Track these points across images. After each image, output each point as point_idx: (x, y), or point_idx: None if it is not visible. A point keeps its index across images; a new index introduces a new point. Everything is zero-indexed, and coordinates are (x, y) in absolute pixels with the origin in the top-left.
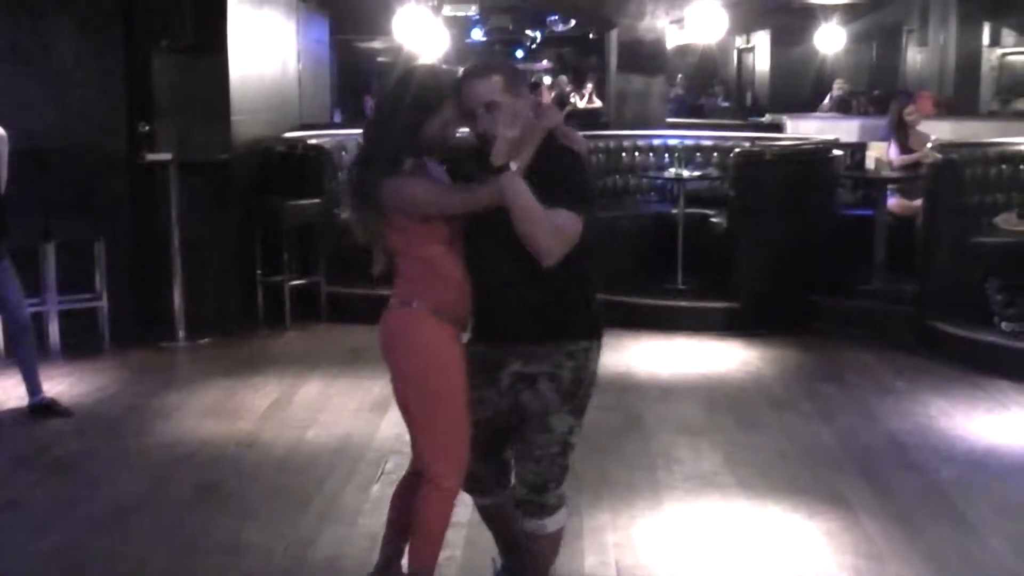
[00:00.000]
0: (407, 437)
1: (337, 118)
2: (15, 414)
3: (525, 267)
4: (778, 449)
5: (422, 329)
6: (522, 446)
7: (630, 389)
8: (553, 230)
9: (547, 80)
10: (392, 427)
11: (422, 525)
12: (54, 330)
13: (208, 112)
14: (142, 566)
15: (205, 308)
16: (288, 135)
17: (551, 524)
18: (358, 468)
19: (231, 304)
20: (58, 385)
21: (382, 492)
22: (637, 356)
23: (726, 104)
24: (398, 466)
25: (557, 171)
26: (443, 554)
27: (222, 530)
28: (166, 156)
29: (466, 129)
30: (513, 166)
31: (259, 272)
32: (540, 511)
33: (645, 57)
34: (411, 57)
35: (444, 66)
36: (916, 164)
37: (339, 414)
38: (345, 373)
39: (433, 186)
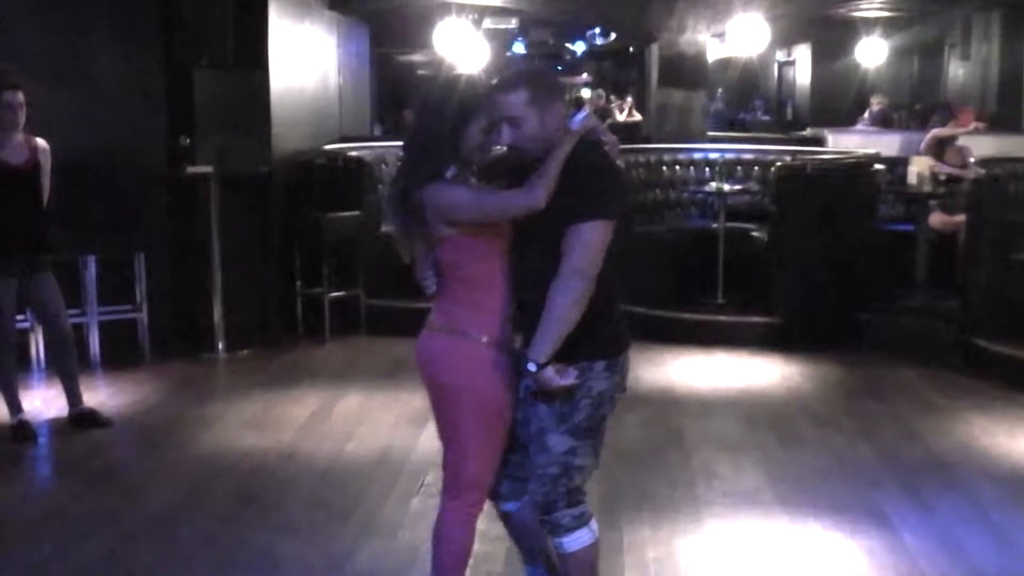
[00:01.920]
0: None
1: (377, 131)
2: (56, 424)
3: (542, 283)
4: (819, 466)
5: (472, 362)
6: (529, 464)
7: (670, 404)
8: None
9: (586, 93)
10: (431, 440)
11: (454, 547)
12: (94, 341)
13: (248, 126)
14: None
15: (245, 320)
16: (328, 148)
17: (569, 544)
18: (397, 481)
19: (271, 316)
20: (98, 395)
21: (422, 505)
22: (677, 371)
23: (766, 118)
24: (437, 479)
25: (580, 178)
26: (484, 568)
27: (261, 542)
28: (207, 169)
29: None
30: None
31: (299, 284)
32: (555, 530)
33: (686, 71)
34: (451, 70)
35: (482, 76)
36: (957, 179)
37: (378, 427)
38: (385, 386)
39: (473, 191)
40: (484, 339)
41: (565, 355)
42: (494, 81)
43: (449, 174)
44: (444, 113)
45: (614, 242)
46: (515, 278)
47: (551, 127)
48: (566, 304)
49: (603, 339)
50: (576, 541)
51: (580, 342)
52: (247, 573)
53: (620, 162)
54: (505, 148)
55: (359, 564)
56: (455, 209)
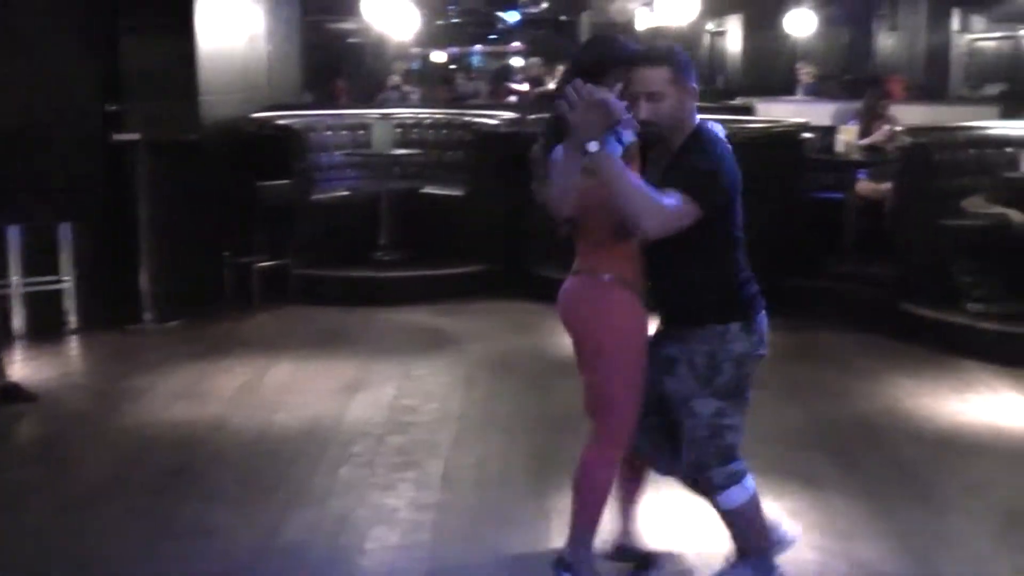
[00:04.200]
0: (376, 419)
1: (308, 100)
2: None
3: (667, 251)
4: (748, 429)
5: (610, 298)
6: (677, 429)
7: None
8: (649, 209)
9: (519, 62)
10: (361, 410)
11: (582, 485)
12: (19, 313)
13: (177, 92)
14: (110, 550)
15: (174, 290)
16: (258, 115)
17: (724, 501)
18: (327, 451)
19: (200, 286)
20: (23, 369)
21: (350, 475)
22: None
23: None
24: (367, 449)
25: (683, 157)
26: (410, 537)
27: (190, 514)
28: (134, 136)
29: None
30: (593, 147)
31: (227, 253)
32: (710, 489)
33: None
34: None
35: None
36: (880, 148)
37: (308, 396)
38: (315, 355)
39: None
40: (621, 279)
41: (699, 319)
42: (636, 53)
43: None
44: (579, 67)
45: (723, 222)
46: (652, 261)
47: (687, 107)
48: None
49: (735, 302)
50: (730, 498)
51: (714, 306)
52: (178, 544)
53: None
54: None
55: (289, 534)
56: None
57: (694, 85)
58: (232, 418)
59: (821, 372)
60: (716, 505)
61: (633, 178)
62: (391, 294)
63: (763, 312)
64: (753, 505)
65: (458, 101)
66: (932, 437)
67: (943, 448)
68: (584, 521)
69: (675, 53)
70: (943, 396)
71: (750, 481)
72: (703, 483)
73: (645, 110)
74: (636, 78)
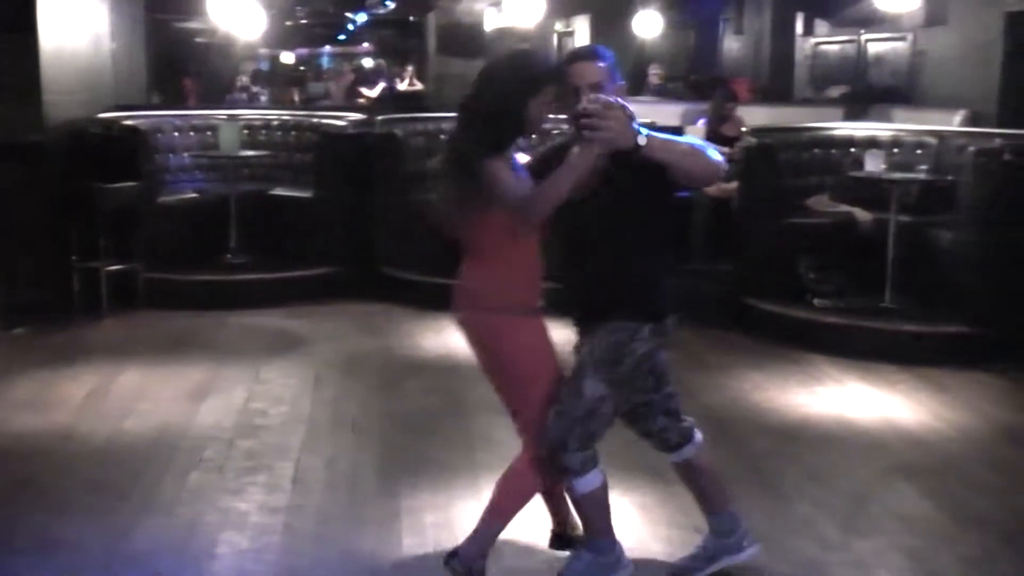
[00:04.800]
0: (226, 424)
1: (155, 100)
2: None
3: (598, 245)
4: None
5: (517, 334)
6: (556, 401)
7: (451, 371)
8: (702, 152)
9: (368, 63)
10: (211, 414)
11: (509, 487)
12: None
13: (19, 91)
14: None
15: (19, 296)
16: (103, 116)
17: (580, 486)
18: (176, 457)
19: (46, 292)
20: None
21: (200, 480)
22: (458, 338)
23: None
24: (217, 453)
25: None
26: (261, 540)
27: (35, 526)
28: None
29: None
30: (642, 140)
31: (74, 258)
32: (566, 472)
33: (464, 40)
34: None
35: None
36: (731, 148)
37: (158, 403)
38: (164, 360)
39: (515, 179)
40: (523, 310)
41: (621, 316)
42: (562, 56)
43: (514, 149)
44: (514, 85)
45: (664, 219)
46: (575, 258)
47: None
48: (700, 151)
49: (654, 303)
50: (586, 483)
51: (633, 304)
52: (22, 558)
53: None
54: (571, 114)
55: (137, 542)
56: (499, 190)
57: (622, 82)
58: (80, 426)
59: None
60: (570, 490)
61: (680, 140)
62: (241, 297)
63: (671, 317)
64: (604, 491)
65: (308, 103)
66: (779, 429)
67: (790, 440)
68: (494, 524)
69: (605, 50)
70: (790, 389)
71: (601, 468)
72: (559, 464)
73: (589, 102)
74: (577, 73)
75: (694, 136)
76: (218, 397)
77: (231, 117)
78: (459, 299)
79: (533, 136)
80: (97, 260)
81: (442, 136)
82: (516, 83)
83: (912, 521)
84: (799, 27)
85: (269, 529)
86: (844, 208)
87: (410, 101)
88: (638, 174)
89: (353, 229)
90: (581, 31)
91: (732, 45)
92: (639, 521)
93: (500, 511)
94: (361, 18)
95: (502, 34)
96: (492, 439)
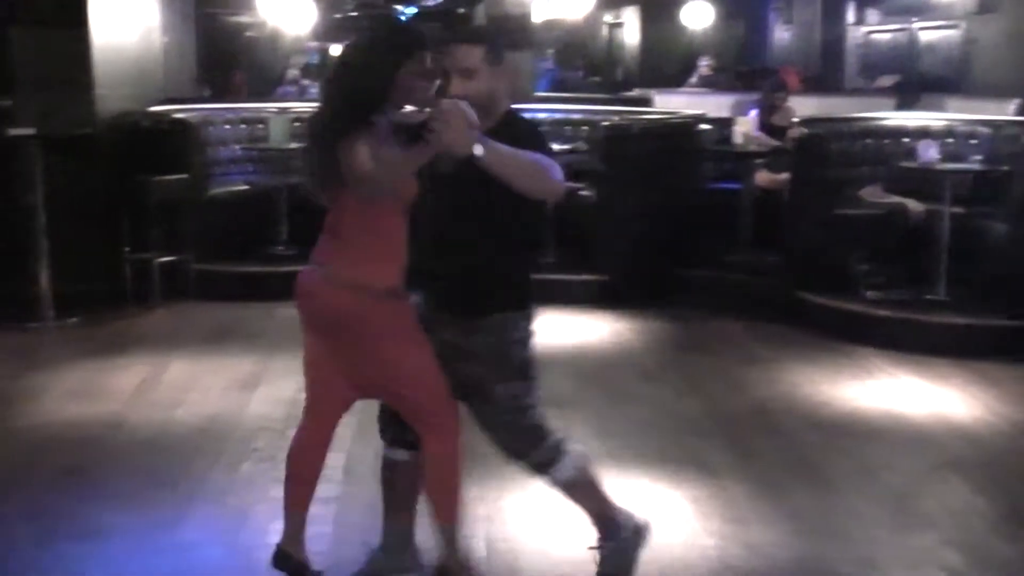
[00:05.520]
0: (276, 414)
1: (205, 93)
2: None
3: (466, 235)
4: (647, 420)
5: (381, 316)
6: (477, 417)
7: None
8: (550, 166)
9: None
10: (261, 405)
11: (441, 479)
12: None
13: (71, 86)
14: (4, 554)
15: (72, 287)
16: (154, 109)
17: (558, 475)
18: (226, 447)
19: (99, 283)
20: None
21: (252, 470)
22: None
23: (594, 79)
24: (268, 443)
25: (503, 139)
26: (312, 529)
27: (87, 515)
28: (28, 131)
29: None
30: (478, 151)
31: (126, 249)
32: (537, 470)
33: (512, 31)
34: (279, 33)
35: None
36: (781, 139)
37: (207, 393)
38: (214, 351)
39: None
40: (385, 290)
41: (489, 309)
42: (448, 31)
43: (379, 122)
44: (379, 50)
45: (526, 216)
46: (425, 243)
47: (498, 86)
48: (541, 170)
49: (521, 292)
50: (563, 471)
51: (502, 296)
52: (72, 545)
53: None
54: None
55: (187, 531)
56: (367, 162)
57: (509, 72)
58: (130, 416)
59: (719, 361)
60: (551, 483)
61: (519, 151)
62: (290, 289)
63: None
64: (586, 473)
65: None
66: (829, 423)
67: (840, 434)
68: (444, 513)
69: (492, 33)
70: (841, 382)
71: (575, 447)
72: (528, 469)
73: (458, 86)
74: (454, 55)
75: (745, 126)
76: (268, 387)
77: (281, 110)
78: (314, 281)
79: (408, 106)
80: (148, 252)
81: None
82: (381, 52)
83: (964, 516)
84: (850, 16)
85: (319, 519)
86: (896, 199)
87: None
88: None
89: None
90: (630, 22)
91: (782, 35)
92: (690, 515)
93: (441, 506)
94: (410, 11)
95: (550, 25)
96: None
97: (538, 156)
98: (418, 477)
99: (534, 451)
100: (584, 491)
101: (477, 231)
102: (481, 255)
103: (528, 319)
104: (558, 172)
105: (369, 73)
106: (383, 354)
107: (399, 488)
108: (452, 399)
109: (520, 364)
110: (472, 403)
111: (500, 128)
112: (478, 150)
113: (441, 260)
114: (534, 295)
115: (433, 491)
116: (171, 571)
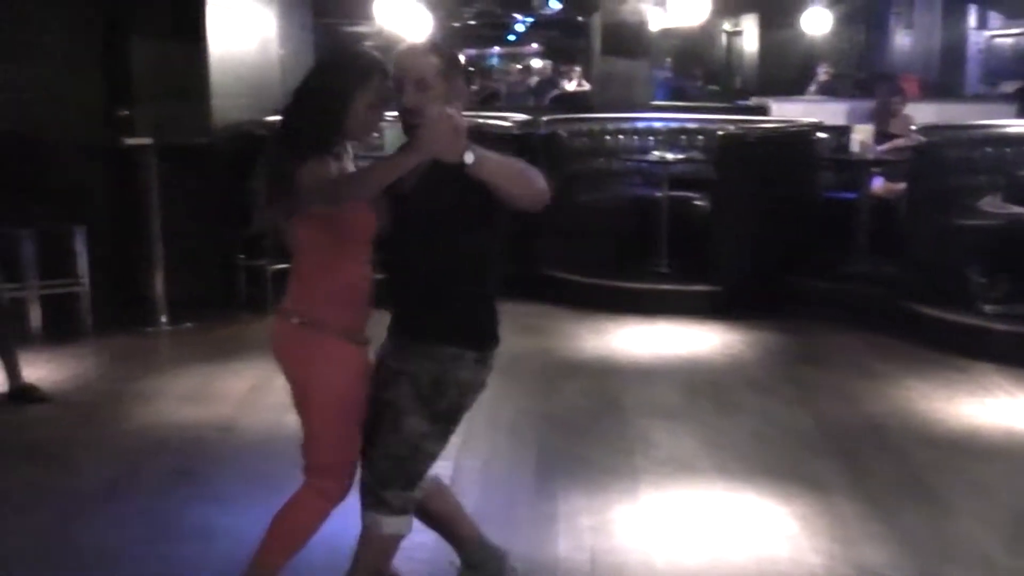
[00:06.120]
0: None
1: None
2: None
3: (412, 262)
4: (756, 433)
5: (326, 358)
6: (375, 439)
7: (610, 373)
8: (531, 175)
9: (537, 64)
10: None
11: (286, 527)
12: (35, 315)
13: (188, 96)
14: (115, 551)
15: (187, 293)
16: (269, 119)
17: (387, 526)
18: None
19: (213, 288)
20: (38, 370)
21: (357, 475)
22: (618, 340)
23: (713, 87)
24: None
25: None
26: (414, 539)
27: (196, 516)
28: (145, 140)
29: (392, 115)
30: (469, 158)
31: (241, 256)
32: (379, 505)
33: (629, 40)
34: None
35: (382, 49)
36: (900, 148)
37: None
38: None
39: (348, 170)
40: (339, 330)
41: (440, 337)
42: (396, 48)
43: (338, 151)
44: (328, 82)
45: (491, 236)
46: (394, 267)
47: (453, 101)
48: (528, 175)
49: (481, 330)
50: (393, 525)
51: (458, 328)
52: (180, 546)
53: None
54: (399, 110)
55: None
56: (327, 186)
57: (463, 83)
58: (240, 420)
59: (832, 374)
60: (374, 524)
61: (505, 157)
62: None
63: (497, 348)
64: (397, 542)
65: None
66: (944, 441)
67: (955, 452)
68: (269, 558)
69: (441, 45)
70: (957, 399)
71: (413, 521)
72: (375, 497)
73: (412, 97)
74: (404, 65)
75: (862, 134)
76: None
77: (396, 118)
78: (275, 326)
79: (367, 137)
80: (262, 259)
81: (606, 136)
82: (333, 79)
83: None
84: (971, 20)
85: (424, 527)
86: (1016, 209)
87: (577, 101)
88: (464, 188)
89: (514, 229)
90: (749, 30)
91: (903, 40)
92: (797, 532)
93: (271, 550)
94: (528, 19)
95: (667, 34)
96: (650, 442)
97: (522, 162)
98: (449, 494)
99: (397, 493)
100: (379, 552)
101: (428, 255)
102: (431, 279)
103: (481, 364)
104: (540, 177)
105: (325, 97)
106: (305, 391)
107: (442, 513)
108: (351, 474)
109: (447, 408)
110: (379, 426)
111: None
112: (468, 157)
113: (396, 285)
114: (494, 344)
115: (272, 532)
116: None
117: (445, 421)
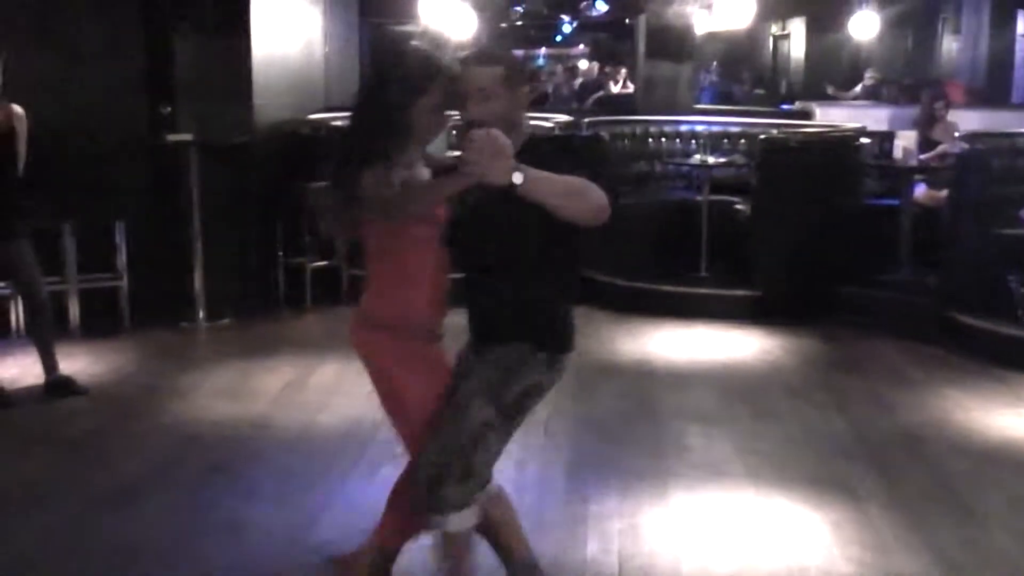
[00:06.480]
0: None
1: None
2: (32, 391)
3: (491, 266)
4: (790, 439)
5: (407, 358)
6: (436, 432)
7: (646, 376)
8: (591, 188)
9: (583, 65)
10: None
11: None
12: (74, 309)
13: (230, 94)
14: (144, 544)
15: (226, 289)
16: (313, 117)
17: (451, 523)
18: (368, 451)
19: (252, 285)
20: (76, 364)
21: (391, 475)
22: (656, 343)
23: (759, 91)
24: None
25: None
26: None
27: (226, 510)
28: (187, 137)
29: (455, 116)
30: (517, 179)
31: (281, 254)
32: (442, 506)
33: (673, 43)
34: (438, 41)
35: (437, 50)
36: (943, 155)
37: (352, 397)
38: None
39: (419, 176)
40: (409, 331)
41: (516, 336)
42: (461, 55)
43: (408, 160)
44: (391, 85)
45: (566, 243)
46: (471, 270)
47: (517, 109)
48: (582, 191)
49: (556, 332)
50: (459, 521)
51: (531, 329)
52: (209, 540)
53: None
54: (463, 120)
55: (321, 531)
56: (390, 195)
57: (526, 90)
58: (275, 417)
59: (869, 382)
60: (443, 525)
61: (556, 175)
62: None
63: (572, 352)
64: (467, 538)
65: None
66: (979, 451)
67: (990, 463)
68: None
69: (506, 54)
70: (995, 410)
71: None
72: (433, 501)
73: (474, 109)
74: (469, 77)
75: (907, 141)
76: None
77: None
78: (353, 319)
79: (429, 142)
80: (302, 256)
81: (649, 139)
82: (395, 87)
83: None
84: (1020, 26)
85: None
86: None
87: (622, 104)
88: (522, 203)
89: None
90: (796, 33)
91: (951, 46)
92: (829, 539)
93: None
94: (575, 20)
95: (713, 37)
96: (683, 447)
97: (573, 178)
98: (507, 504)
99: (454, 488)
100: (461, 550)
101: (508, 258)
102: (511, 283)
103: (551, 368)
104: (598, 191)
105: (389, 106)
106: (396, 393)
107: (495, 520)
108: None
109: (512, 402)
110: (440, 418)
111: (520, 153)
112: (517, 178)
113: (474, 288)
114: (567, 348)
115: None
116: (306, 571)
117: (508, 416)
